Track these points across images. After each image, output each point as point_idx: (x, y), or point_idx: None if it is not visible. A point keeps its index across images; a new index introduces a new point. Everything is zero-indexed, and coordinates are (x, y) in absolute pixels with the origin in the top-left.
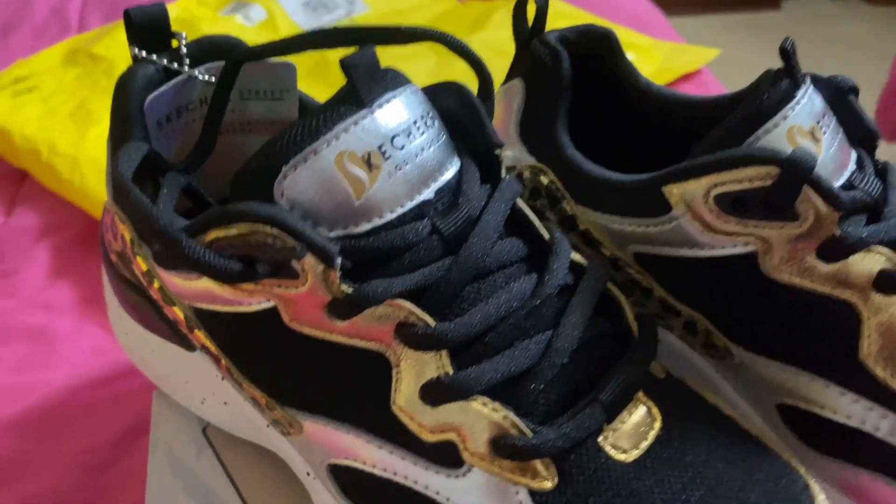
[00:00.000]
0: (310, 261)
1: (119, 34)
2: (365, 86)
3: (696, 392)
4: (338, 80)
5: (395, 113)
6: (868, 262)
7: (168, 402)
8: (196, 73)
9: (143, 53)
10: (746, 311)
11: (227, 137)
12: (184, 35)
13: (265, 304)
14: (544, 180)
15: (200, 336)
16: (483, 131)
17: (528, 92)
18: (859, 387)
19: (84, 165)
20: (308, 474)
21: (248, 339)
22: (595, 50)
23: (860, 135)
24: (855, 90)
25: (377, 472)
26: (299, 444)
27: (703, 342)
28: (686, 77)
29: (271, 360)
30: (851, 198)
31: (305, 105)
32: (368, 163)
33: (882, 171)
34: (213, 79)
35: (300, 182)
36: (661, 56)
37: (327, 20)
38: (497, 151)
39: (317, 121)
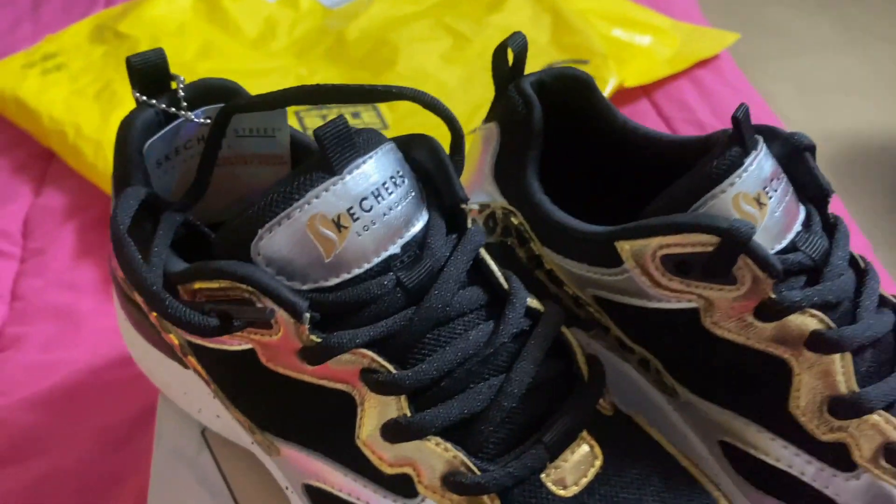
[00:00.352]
0: (282, 314)
1: (143, 12)
2: (336, 154)
3: (641, 428)
4: (355, 61)
5: (364, 177)
6: (801, 323)
7: (172, 401)
8: (192, 116)
9: (144, 98)
10: (690, 358)
11: (224, 169)
12: (181, 78)
13: (245, 346)
14: (514, 221)
15: (192, 361)
16: (450, 186)
17: (502, 136)
18: (788, 435)
19: (108, 149)
20: (287, 488)
21: (231, 371)
22: (571, 93)
23: (813, 191)
24: (811, 148)
25: (343, 495)
26: (278, 463)
27: (654, 379)
28: (704, 63)
29: (251, 392)
30: (791, 261)
31: (296, 141)
32: (338, 224)
33: (831, 227)
34: (209, 121)
35: (275, 242)
36: (679, 39)
37: None
38: (463, 206)
39: (290, 187)
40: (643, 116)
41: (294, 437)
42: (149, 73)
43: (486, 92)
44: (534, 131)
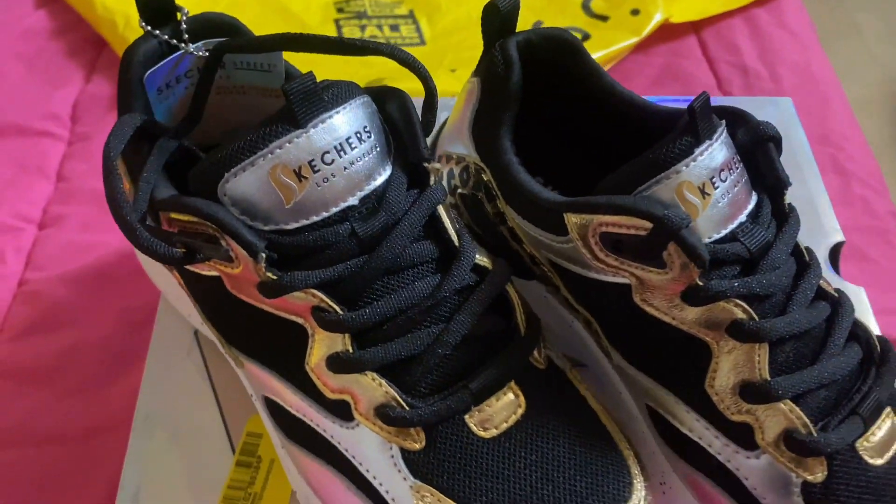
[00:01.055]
0: (241, 251)
1: None
2: (301, 109)
3: (572, 384)
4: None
5: (329, 131)
6: (725, 311)
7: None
8: (192, 49)
9: (148, 27)
10: (622, 328)
11: (223, 97)
12: (186, 11)
13: (213, 272)
14: (484, 177)
15: (177, 276)
16: (415, 144)
17: (482, 94)
18: (701, 410)
19: None
20: (251, 396)
21: (204, 292)
22: (558, 54)
23: (771, 182)
24: (775, 139)
25: (293, 410)
26: (244, 374)
27: (595, 339)
28: (766, 1)
29: (220, 312)
30: (726, 251)
31: (290, 75)
32: (298, 175)
33: (783, 217)
34: (207, 53)
35: (239, 186)
36: None
37: None
38: (425, 164)
39: (256, 136)
40: (686, 54)
41: (255, 355)
42: (155, 3)
43: (535, 14)
44: (511, 92)
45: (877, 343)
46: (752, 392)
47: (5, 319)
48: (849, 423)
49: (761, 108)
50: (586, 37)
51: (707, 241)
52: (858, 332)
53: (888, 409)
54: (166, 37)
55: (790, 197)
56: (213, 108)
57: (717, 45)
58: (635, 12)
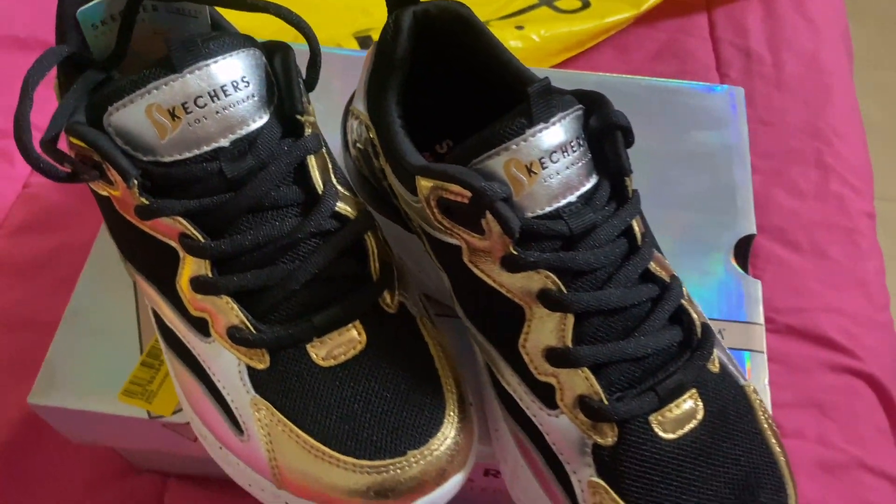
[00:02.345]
0: (117, 175)
1: None
2: (178, 56)
3: (418, 330)
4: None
5: (205, 77)
6: (537, 281)
7: None
8: None
9: None
10: (461, 286)
11: (151, 38)
12: None
13: (106, 193)
14: (371, 135)
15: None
16: (291, 97)
17: (375, 58)
18: (516, 367)
19: None
20: (149, 308)
21: (105, 210)
22: (454, 26)
23: (614, 168)
24: (624, 129)
25: (168, 323)
26: (138, 287)
27: (448, 295)
28: None
29: (116, 229)
30: (547, 227)
31: (216, 23)
32: (172, 114)
33: (623, 201)
34: None
35: (120, 119)
36: None
37: None
38: (298, 116)
39: (138, 77)
40: (693, 32)
41: (142, 271)
42: None
43: None
44: (398, 59)
45: (699, 330)
46: (555, 356)
47: (6, 217)
48: (643, 397)
49: (709, 93)
50: (586, 4)
51: (529, 215)
52: (683, 318)
53: (693, 391)
54: None
55: (711, 182)
56: (143, 47)
57: (727, 25)
58: None
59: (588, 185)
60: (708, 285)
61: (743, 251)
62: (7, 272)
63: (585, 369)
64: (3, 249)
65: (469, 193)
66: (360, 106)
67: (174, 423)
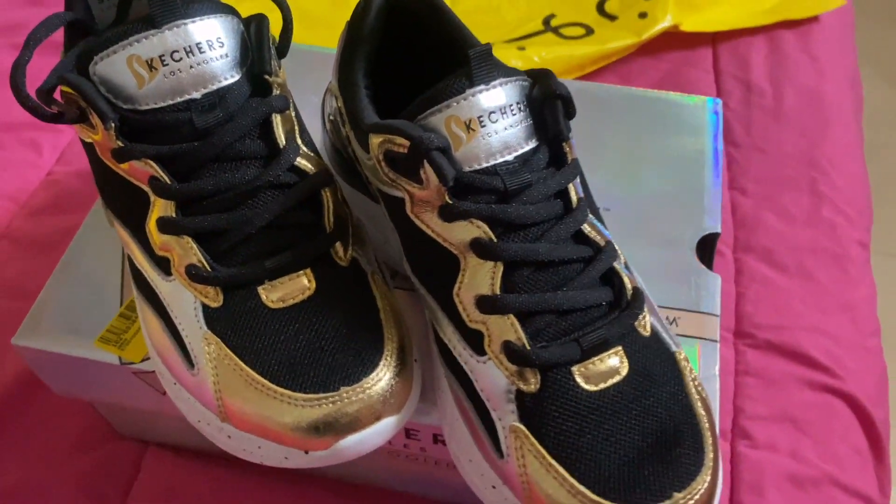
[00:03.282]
0: (97, 119)
1: None
2: (158, 13)
3: (367, 283)
4: None
5: (183, 35)
6: (470, 230)
7: None
8: None
9: None
10: (407, 240)
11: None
12: None
13: (87, 139)
14: (338, 104)
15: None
16: (261, 59)
17: (347, 33)
18: (451, 316)
19: None
20: (127, 256)
21: (91, 159)
22: (419, 6)
23: (553, 133)
24: (564, 98)
25: (137, 265)
26: (117, 234)
27: (398, 257)
28: (795, 25)
29: (99, 176)
30: (481, 180)
31: None
32: (150, 66)
33: (560, 166)
34: None
35: (104, 69)
36: None
37: None
38: (266, 77)
39: (121, 30)
40: (696, 64)
41: (118, 215)
42: None
43: (550, 6)
44: (365, 34)
45: (630, 294)
46: (485, 303)
47: (28, 199)
48: (565, 346)
49: (688, 103)
50: (590, 31)
51: (467, 169)
52: (614, 280)
53: (619, 349)
54: None
55: (681, 182)
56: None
57: (730, 59)
58: (643, 15)
59: (526, 148)
60: (668, 276)
61: (706, 248)
62: (25, 247)
63: (512, 317)
64: (23, 227)
65: (407, 143)
66: (333, 80)
67: (142, 371)
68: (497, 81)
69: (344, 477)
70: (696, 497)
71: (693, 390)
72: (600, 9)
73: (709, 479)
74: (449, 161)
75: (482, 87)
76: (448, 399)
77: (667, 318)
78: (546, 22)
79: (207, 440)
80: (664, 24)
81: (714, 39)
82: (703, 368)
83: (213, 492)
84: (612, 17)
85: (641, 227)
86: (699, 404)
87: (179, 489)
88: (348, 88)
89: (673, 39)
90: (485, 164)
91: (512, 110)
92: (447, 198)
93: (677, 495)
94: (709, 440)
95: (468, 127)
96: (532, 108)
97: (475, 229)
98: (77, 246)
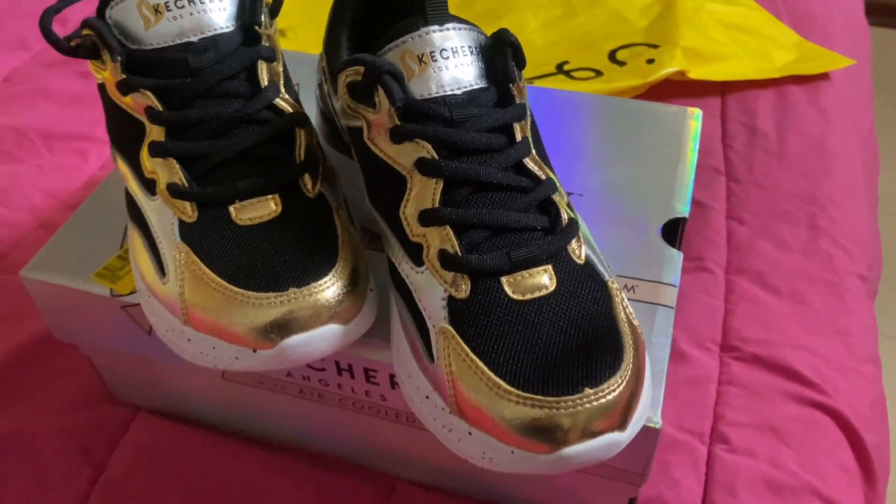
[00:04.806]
0: (107, 55)
1: None
2: None
3: (331, 213)
4: (477, 12)
5: None
6: (416, 150)
7: None
8: None
9: None
10: (366, 170)
11: None
12: None
13: (100, 79)
14: (323, 64)
15: None
16: (254, 10)
17: (334, 4)
18: (397, 234)
19: None
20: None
21: (103, 100)
22: None
23: (501, 76)
24: (512, 44)
25: (130, 191)
26: (118, 169)
27: (369, 210)
28: (805, 80)
29: (108, 116)
30: (430, 107)
31: None
32: (156, 10)
33: (507, 104)
34: None
35: (118, 13)
36: (797, 53)
37: None
38: (255, 27)
39: None
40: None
41: (120, 149)
42: None
43: (564, 54)
44: (342, 8)
45: (565, 223)
46: (425, 216)
47: (70, 196)
48: (495, 256)
49: (669, 110)
50: (598, 74)
51: (417, 97)
52: (551, 210)
53: (549, 268)
54: None
55: (653, 175)
56: None
57: (738, 107)
58: (650, 61)
59: (475, 86)
60: (630, 252)
61: (672, 231)
62: None
63: (448, 228)
64: (61, 218)
65: (362, 69)
66: (322, 50)
67: (129, 304)
68: (450, 24)
69: (326, 451)
70: (609, 396)
71: (622, 313)
72: (611, 56)
73: (624, 383)
74: (401, 88)
75: (436, 27)
76: (396, 320)
77: (625, 287)
78: (559, 67)
79: (193, 407)
80: (671, 69)
81: (723, 89)
82: (657, 332)
83: (193, 455)
84: (621, 63)
85: (610, 210)
86: (625, 326)
87: (162, 451)
88: (332, 48)
89: (682, 87)
90: (434, 94)
91: (464, 51)
92: (396, 119)
93: (588, 390)
94: (629, 352)
95: (420, 60)
96: (484, 55)
97: (421, 149)
98: (91, 202)
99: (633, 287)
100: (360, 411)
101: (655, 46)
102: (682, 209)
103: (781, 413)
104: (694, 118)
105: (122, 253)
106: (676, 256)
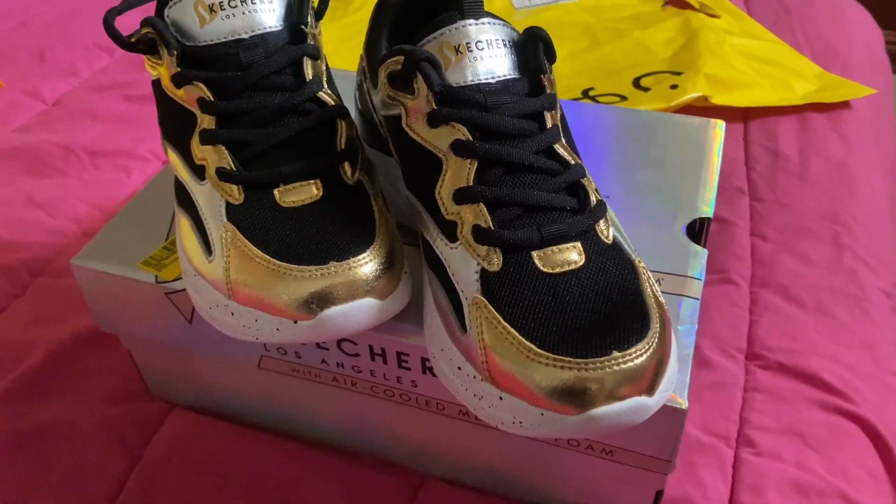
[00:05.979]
0: (164, 50)
1: None
2: None
3: (368, 199)
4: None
5: None
6: (453, 133)
7: None
8: None
9: None
10: (403, 157)
11: None
12: None
13: (155, 75)
14: (363, 64)
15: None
16: (300, 11)
17: (376, 6)
18: (433, 213)
19: None
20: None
21: (157, 96)
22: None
23: (533, 68)
24: (543, 38)
25: (180, 178)
26: (170, 163)
27: (405, 206)
28: (827, 108)
29: (162, 110)
30: (465, 93)
31: None
32: (210, 9)
33: (534, 96)
34: None
35: (175, 13)
36: (818, 83)
37: (538, 2)
38: (302, 27)
39: None
40: (727, 135)
41: (170, 139)
42: None
43: (590, 81)
44: (384, 10)
45: (593, 204)
46: (460, 194)
47: (115, 208)
48: (526, 230)
49: (693, 121)
50: (623, 98)
51: (454, 84)
52: (580, 192)
53: (578, 244)
54: None
55: (678, 178)
56: None
57: (760, 132)
58: (674, 87)
59: (508, 76)
60: (655, 248)
61: (697, 230)
62: None
63: (481, 205)
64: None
65: (402, 59)
66: (363, 51)
67: (173, 291)
68: (485, 19)
69: (359, 447)
70: (637, 360)
71: (649, 289)
72: (636, 83)
73: (651, 349)
74: (438, 75)
75: (472, 20)
76: (429, 300)
77: (658, 281)
78: (584, 92)
79: (227, 402)
80: (694, 94)
81: (746, 115)
82: (683, 320)
83: (225, 449)
84: (645, 89)
85: (635, 211)
86: (652, 300)
87: (196, 444)
88: (372, 48)
89: (705, 112)
90: (469, 82)
91: (497, 44)
92: (434, 104)
93: (616, 353)
94: (656, 322)
95: (457, 50)
96: (516, 49)
97: (456, 132)
98: (139, 199)
99: (659, 280)
100: (390, 399)
101: (679, 73)
102: (707, 210)
103: (808, 419)
104: (718, 128)
105: (167, 244)
106: (701, 252)
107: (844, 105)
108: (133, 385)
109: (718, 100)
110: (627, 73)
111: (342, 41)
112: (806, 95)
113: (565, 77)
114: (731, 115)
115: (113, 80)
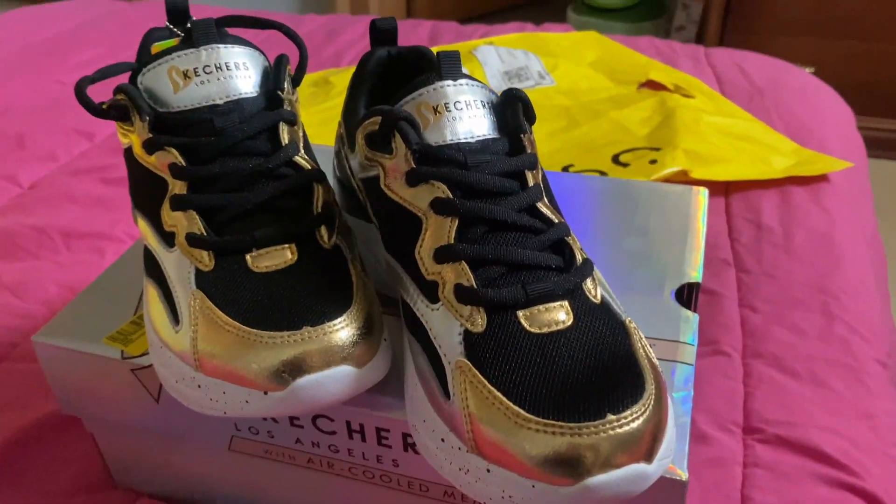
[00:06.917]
0: (136, 115)
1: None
2: (198, 37)
3: (346, 265)
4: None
5: (214, 55)
6: (431, 191)
7: None
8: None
9: (169, 24)
10: (381, 219)
11: None
12: (192, 18)
13: (126, 143)
14: (341, 130)
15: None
16: (277, 77)
17: (353, 77)
18: (412, 274)
19: None
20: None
21: (128, 164)
22: (416, 59)
23: (512, 128)
24: (522, 99)
25: (149, 247)
26: (139, 227)
27: (386, 278)
28: (806, 181)
29: (132, 177)
30: (443, 152)
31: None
32: (185, 75)
33: (516, 155)
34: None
35: (149, 79)
36: (796, 158)
37: (516, 86)
38: (279, 92)
39: (167, 52)
40: (712, 208)
41: (141, 208)
42: (175, 10)
43: (569, 159)
44: (366, 74)
45: (580, 262)
46: (441, 253)
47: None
48: (511, 289)
49: (676, 189)
50: (603, 174)
51: (433, 143)
52: (565, 250)
53: (565, 303)
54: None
55: (665, 246)
56: None
57: (742, 205)
58: (653, 162)
59: (488, 136)
60: (644, 315)
61: (686, 295)
62: None
63: (463, 263)
64: None
65: (379, 119)
66: (341, 120)
67: (140, 367)
68: (463, 80)
69: None
70: (633, 424)
71: (640, 349)
72: (615, 159)
73: (648, 412)
74: (417, 135)
75: (450, 81)
76: (410, 368)
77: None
78: (565, 169)
79: (196, 489)
80: (673, 168)
81: (726, 189)
82: (678, 388)
83: None
84: (624, 165)
85: (622, 279)
86: (645, 361)
87: None
88: (350, 115)
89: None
90: (448, 141)
91: (476, 104)
92: (412, 162)
93: (611, 416)
94: (651, 384)
95: (435, 110)
96: (495, 110)
97: (436, 190)
98: (107, 275)
99: (652, 345)
100: (370, 481)
101: (657, 149)
102: (695, 276)
103: (813, 495)
104: (701, 195)
105: (135, 318)
106: (692, 318)
107: (823, 178)
108: (96, 474)
109: (698, 174)
110: (606, 150)
111: (322, 124)
112: (785, 169)
113: (545, 155)
114: (712, 188)
115: (92, 164)
